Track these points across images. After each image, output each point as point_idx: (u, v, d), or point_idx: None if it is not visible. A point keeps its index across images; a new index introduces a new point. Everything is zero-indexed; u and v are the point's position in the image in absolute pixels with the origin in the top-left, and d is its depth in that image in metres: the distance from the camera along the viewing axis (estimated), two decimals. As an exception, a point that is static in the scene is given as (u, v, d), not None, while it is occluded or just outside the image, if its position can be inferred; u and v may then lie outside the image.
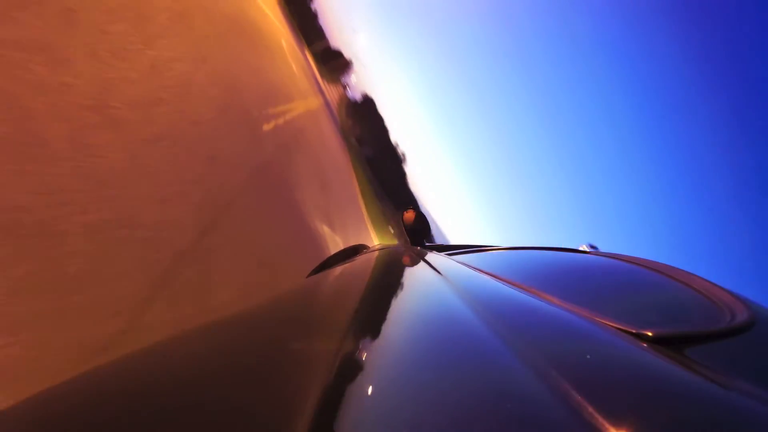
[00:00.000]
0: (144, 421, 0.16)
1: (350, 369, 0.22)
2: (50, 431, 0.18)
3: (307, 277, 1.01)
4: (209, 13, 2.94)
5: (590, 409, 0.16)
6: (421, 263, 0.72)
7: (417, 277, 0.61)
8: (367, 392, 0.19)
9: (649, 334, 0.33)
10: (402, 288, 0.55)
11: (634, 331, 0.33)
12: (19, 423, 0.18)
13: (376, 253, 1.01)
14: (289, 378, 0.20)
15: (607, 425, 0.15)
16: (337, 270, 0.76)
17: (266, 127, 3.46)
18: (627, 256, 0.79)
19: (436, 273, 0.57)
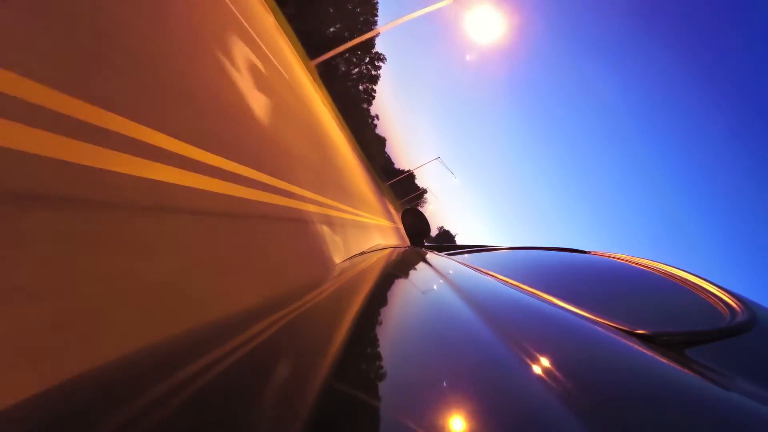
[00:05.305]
0: (145, 421, 0.16)
1: (349, 369, 0.22)
2: (50, 431, 0.18)
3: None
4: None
5: (590, 409, 0.16)
6: (422, 263, 0.72)
7: (417, 277, 0.61)
8: (366, 392, 0.19)
9: (650, 334, 0.33)
10: (402, 288, 0.55)
11: (634, 331, 0.33)
12: (19, 423, 0.18)
13: (377, 253, 1.01)
14: (288, 378, 0.20)
15: (607, 425, 0.15)
16: (337, 270, 0.76)
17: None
18: (627, 256, 0.79)
19: (437, 273, 0.57)
